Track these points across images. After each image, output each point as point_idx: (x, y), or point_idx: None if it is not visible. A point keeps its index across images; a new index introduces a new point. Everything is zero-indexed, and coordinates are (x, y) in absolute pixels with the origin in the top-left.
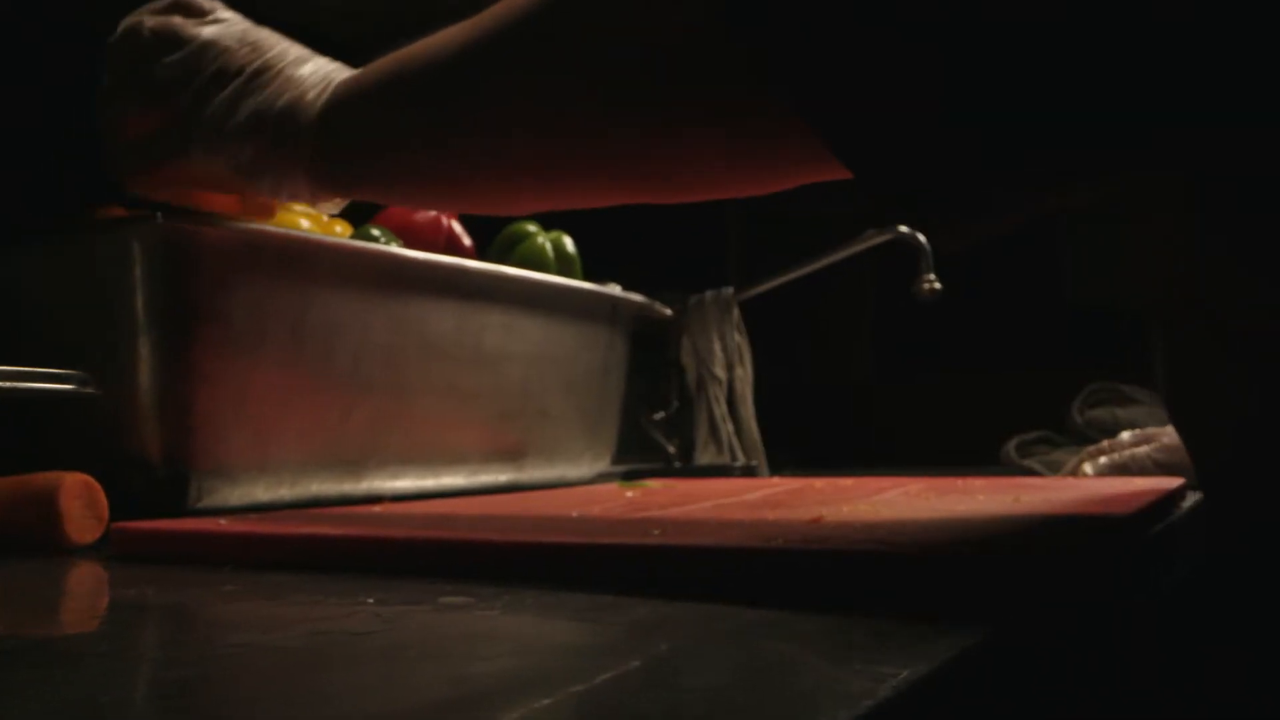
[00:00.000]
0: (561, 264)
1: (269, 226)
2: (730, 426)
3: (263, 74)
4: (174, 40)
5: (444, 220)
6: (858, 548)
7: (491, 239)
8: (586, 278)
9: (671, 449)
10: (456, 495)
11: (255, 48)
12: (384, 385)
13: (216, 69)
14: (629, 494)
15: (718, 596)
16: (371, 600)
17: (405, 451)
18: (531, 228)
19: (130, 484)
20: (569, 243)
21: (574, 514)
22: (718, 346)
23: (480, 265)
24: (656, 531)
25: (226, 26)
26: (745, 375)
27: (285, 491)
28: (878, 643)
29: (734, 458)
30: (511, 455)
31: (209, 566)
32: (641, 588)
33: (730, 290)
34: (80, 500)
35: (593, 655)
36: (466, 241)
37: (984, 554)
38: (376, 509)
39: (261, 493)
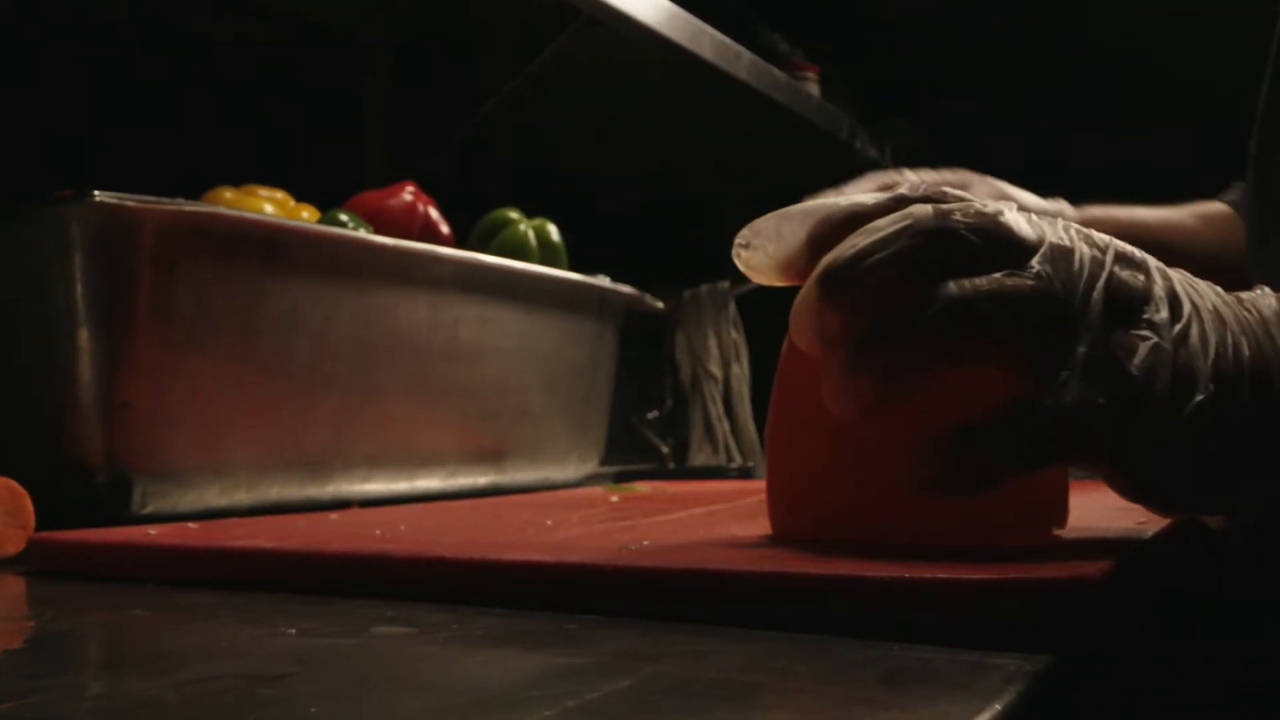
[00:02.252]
0: (545, 253)
1: (220, 208)
2: (726, 426)
3: (1179, 306)
4: (1011, 240)
5: (420, 206)
6: (872, 574)
7: (472, 227)
8: (574, 270)
9: (665, 449)
10: (432, 499)
11: (1127, 255)
12: (349, 381)
13: (1124, 298)
14: (614, 498)
15: (701, 624)
16: (294, 631)
17: (373, 452)
18: (513, 214)
19: (68, 489)
20: (553, 230)
21: (548, 522)
22: (713, 343)
23: (453, 252)
24: (633, 546)
25: (1054, 223)
26: (742, 373)
27: (242, 496)
28: (902, 694)
29: (730, 459)
30: (491, 456)
31: (133, 582)
32: (611, 613)
33: (726, 284)
34: (1, 508)
35: (534, 705)
36: (445, 229)
37: (1023, 579)
38: (333, 516)
39: (214, 498)
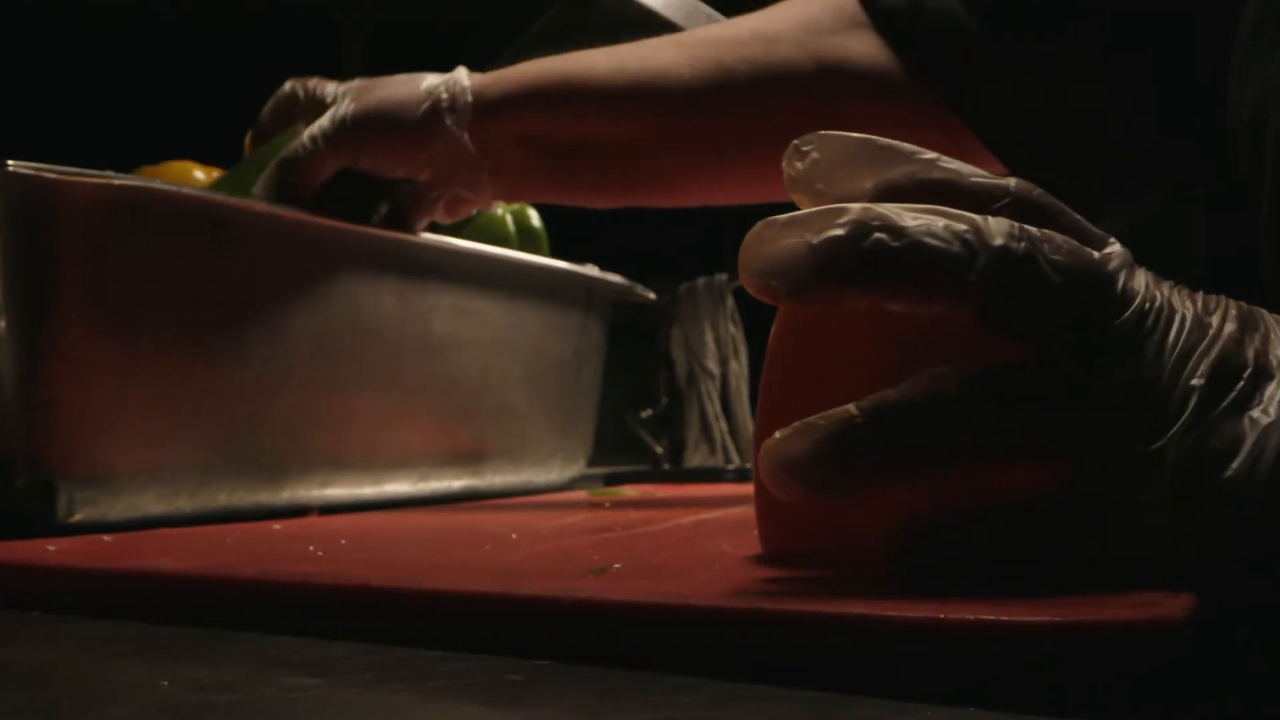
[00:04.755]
0: (524, 242)
1: (161, 183)
2: (724, 425)
3: None
4: (1103, 293)
5: None
6: (896, 614)
7: None
8: (561, 259)
9: (660, 450)
10: (402, 504)
11: (1243, 318)
12: (308, 376)
13: (1229, 375)
14: (597, 504)
15: (679, 676)
16: (166, 683)
17: (336, 454)
18: None
19: None
20: (534, 216)
21: (514, 535)
22: (710, 338)
23: (425, 237)
24: (600, 571)
25: (1159, 282)
26: (740, 370)
27: (184, 503)
28: None
29: (727, 460)
30: (468, 458)
31: (18, 610)
32: (568, 658)
33: (724, 277)
34: None
35: None
36: None
37: (1087, 623)
38: (277, 526)
39: (152, 504)
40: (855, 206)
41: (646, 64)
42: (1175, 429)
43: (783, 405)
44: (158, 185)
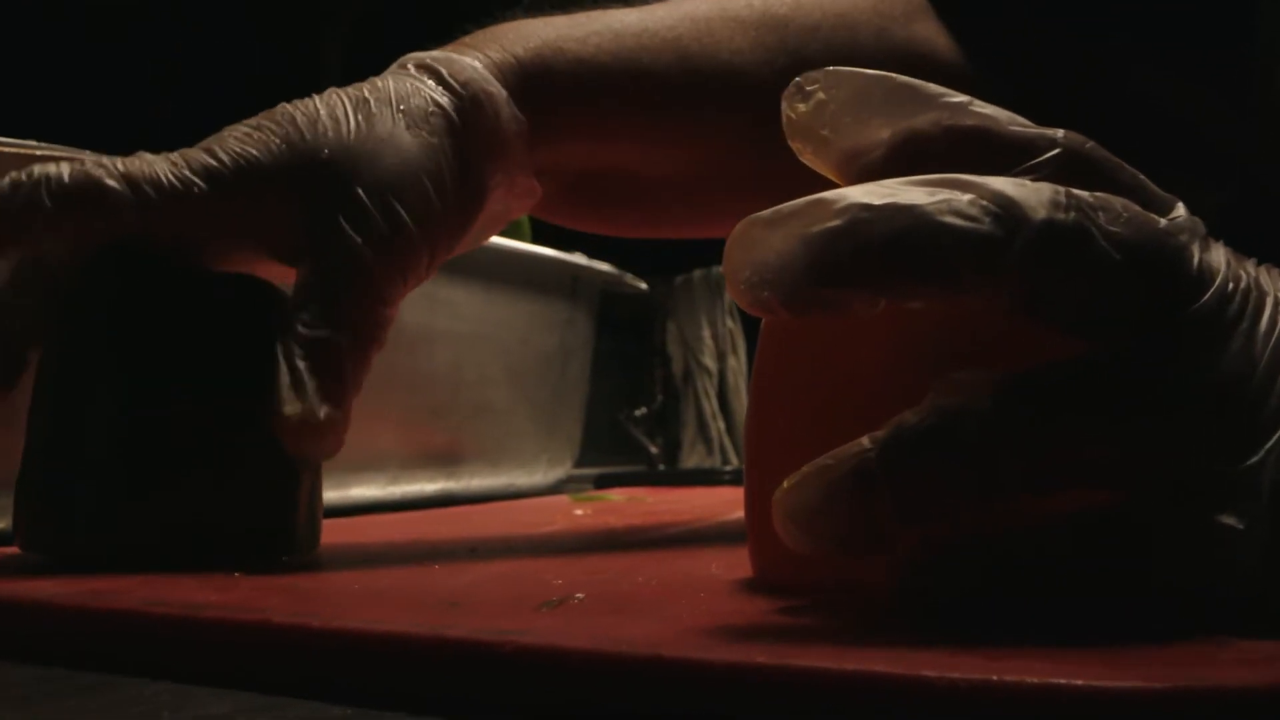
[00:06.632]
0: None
1: (89, 156)
2: (721, 424)
3: None
4: (1175, 276)
5: None
6: (932, 674)
7: None
8: (544, 246)
9: (654, 449)
10: (371, 509)
11: None
12: None
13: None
14: (578, 512)
15: None
16: None
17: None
18: None
19: None
20: None
21: (473, 550)
22: (707, 334)
23: None
24: (557, 603)
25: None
26: (738, 366)
27: None
28: None
29: (724, 460)
30: (443, 459)
31: None
32: (501, 715)
33: (722, 269)
34: None
35: None
36: None
37: (1190, 690)
38: None
39: None
40: (853, 189)
41: (713, 57)
42: (1273, 440)
43: (776, 418)
44: (58, 154)
